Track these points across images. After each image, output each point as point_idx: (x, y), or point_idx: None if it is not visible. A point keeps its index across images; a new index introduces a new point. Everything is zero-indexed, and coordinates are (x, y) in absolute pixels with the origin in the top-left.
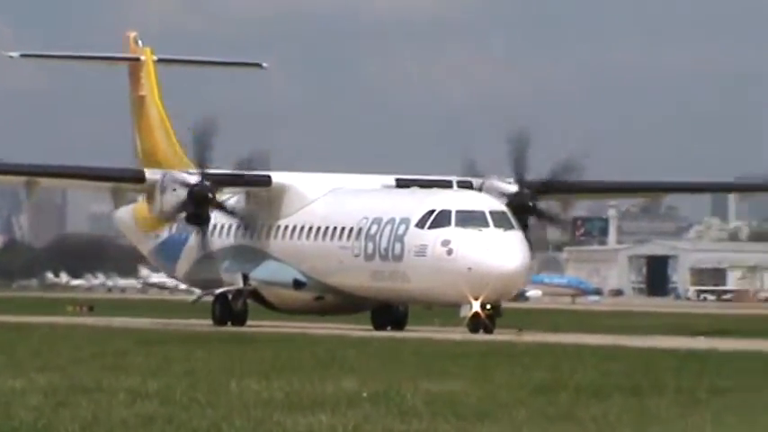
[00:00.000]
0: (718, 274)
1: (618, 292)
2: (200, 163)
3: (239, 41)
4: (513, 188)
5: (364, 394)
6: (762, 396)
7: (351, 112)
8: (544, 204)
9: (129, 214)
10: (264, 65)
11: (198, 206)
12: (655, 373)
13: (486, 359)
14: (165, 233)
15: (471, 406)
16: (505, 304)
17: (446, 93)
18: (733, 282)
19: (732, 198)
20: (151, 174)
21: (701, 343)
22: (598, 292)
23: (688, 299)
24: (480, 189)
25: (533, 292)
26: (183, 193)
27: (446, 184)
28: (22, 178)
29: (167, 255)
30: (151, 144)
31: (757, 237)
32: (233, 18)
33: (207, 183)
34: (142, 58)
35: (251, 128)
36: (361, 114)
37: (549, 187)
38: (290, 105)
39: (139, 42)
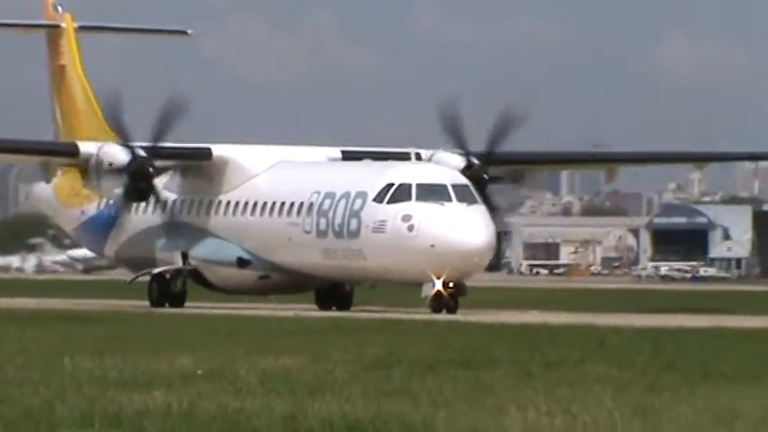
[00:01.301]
0: (550, 249)
1: None
2: (124, 137)
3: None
4: (462, 160)
5: (199, 372)
6: (593, 368)
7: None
8: (495, 175)
9: (49, 189)
10: (189, 32)
11: (138, 181)
12: (488, 348)
13: (321, 335)
14: (92, 209)
15: (306, 382)
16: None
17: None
18: (565, 256)
19: (565, 173)
20: (85, 147)
21: (533, 317)
22: None
23: (521, 273)
24: (429, 162)
25: None
26: (120, 168)
27: (402, 157)
28: None
29: (94, 232)
30: (73, 116)
31: (589, 211)
32: None
33: (145, 155)
34: (62, 24)
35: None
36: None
37: (495, 157)
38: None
39: (59, 8)
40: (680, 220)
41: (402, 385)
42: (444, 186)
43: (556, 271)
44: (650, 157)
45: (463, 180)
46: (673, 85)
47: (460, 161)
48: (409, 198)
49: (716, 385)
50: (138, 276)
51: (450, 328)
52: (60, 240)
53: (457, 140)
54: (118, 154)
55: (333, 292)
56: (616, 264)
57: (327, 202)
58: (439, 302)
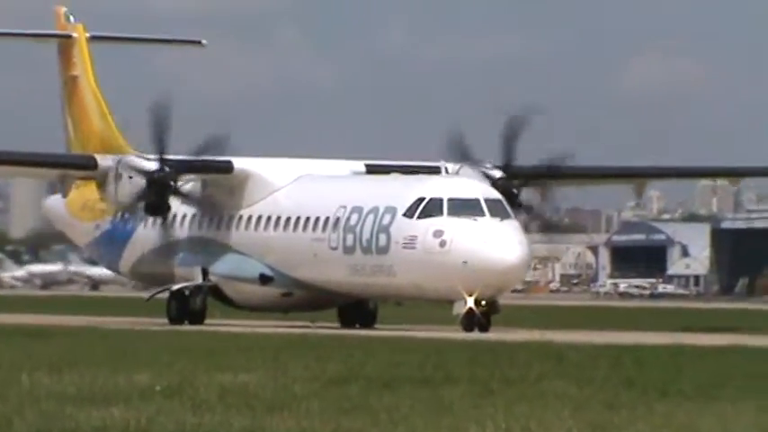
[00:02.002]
0: None
1: None
2: (159, 148)
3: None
4: (497, 174)
5: (157, 387)
6: (551, 385)
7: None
8: (527, 193)
9: (61, 203)
10: (204, 42)
11: (158, 195)
12: (447, 365)
13: (281, 352)
14: (107, 223)
15: (265, 398)
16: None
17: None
18: None
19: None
20: (103, 160)
21: (492, 335)
22: None
23: None
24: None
25: None
26: (141, 181)
27: (432, 171)
28: None
29: (110, 247)
30: (85, 128)
31: (547, 228)
32: None
33: (167, 169)
34: (74, 35)
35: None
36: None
37: (517, 172)
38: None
39: (71, 18)
40: (639, 237)
41: (360, 402)
42: (477, 201)
43: (515, 288)
44: (677, 172)
45: (496, 194)
46: (642, 102)
47: (494, 174)
48: (441, 213)
49: (674, 403)
50: (156, 293)
51: (401, 345)
52: (19, 256)
53: (468, 156)
54: (138, 167)
55: (356, 309)
56: (575, 281)
57: (354, 216)
58: (471, 320)
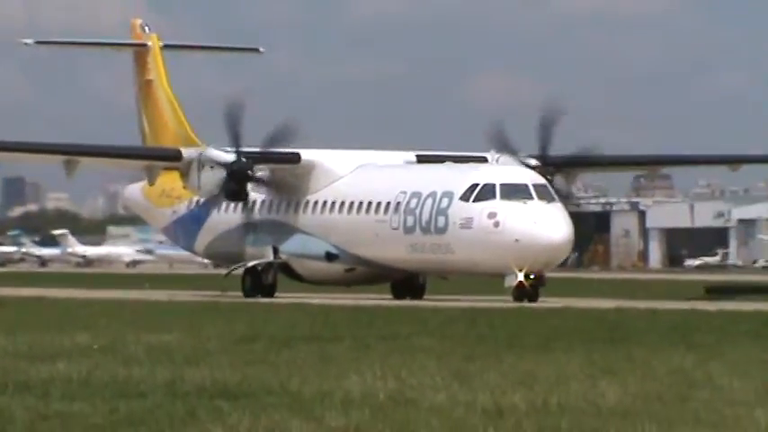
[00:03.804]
0: None
1: None
2: (236, 141)
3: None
4: (532, 163)
5: (95, 346)
6: (419, 341)
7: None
8: (559, 180)
9: (139, 192)
10: (261, 49)
11: (237, 183)
12: (333, 325)
13: (197, 315)
14: (183, 208)
15: (184, 354)
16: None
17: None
18: None
19: None
20: (187, 152)
21: (371, 300)
22: None
23: None
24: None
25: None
26: (221, 171)
27: (479, 160)
28: (62, 157)
29: (185, 229)
30: (160, 125)
31: None
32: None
33: (244, 160)
34: (149, 43)
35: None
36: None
37: (572, 163)
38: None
39: (146, 29)
40: None
41: (263, 356)
42: (526, 186)
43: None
44: (688, 159)
45: (542, 180)
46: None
47: (531, 164)
48: (494, 197)
49: (518, 354)
50: (233, 270)
51: (297, 308)
52: None
53: (542, 144)
54: (218, 158)
55: (408, 283)
56: None
57: (414, 201)
58: (521, 292)
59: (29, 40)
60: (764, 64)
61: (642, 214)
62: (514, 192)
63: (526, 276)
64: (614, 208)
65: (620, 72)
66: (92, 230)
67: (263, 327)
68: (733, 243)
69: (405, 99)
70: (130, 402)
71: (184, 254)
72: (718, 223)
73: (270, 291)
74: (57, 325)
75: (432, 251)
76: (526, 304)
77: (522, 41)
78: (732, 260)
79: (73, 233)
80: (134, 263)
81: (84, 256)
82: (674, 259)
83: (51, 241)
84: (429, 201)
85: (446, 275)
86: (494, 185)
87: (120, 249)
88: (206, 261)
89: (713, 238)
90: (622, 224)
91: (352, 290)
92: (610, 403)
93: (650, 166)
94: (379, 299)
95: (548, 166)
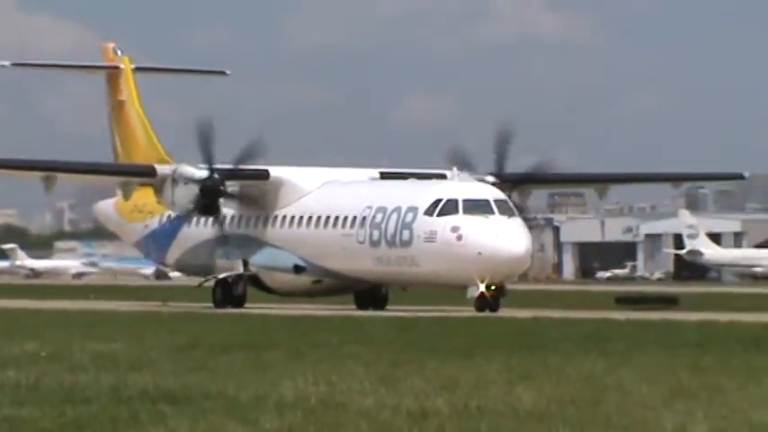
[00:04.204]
0: None
1: None
2: (207, 158)
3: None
4: (490, 179)
5: (43, 354)
6: (349, 348)
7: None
8: (514, 197)
9: (111, 207)
10: (228, 72)
11: (209, 198)
12: (269, 334)
13: (140, 325)
14: (154, 223)
15: (128, 361)
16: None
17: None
18: None
19: None
20: (161, 169)
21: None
22: None
23: None
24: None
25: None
26: (194, 187)
27: (439, 177)
28: (41, 173)
29: (157, 243)
30: (132, 145)
31: None
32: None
33: (216, 176)
34: (121, 66)
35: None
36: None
37: (506, 177)
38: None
39: (118, 52)
40: None
41: (203, 363)
42: (487, 201)
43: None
44: (636, 177)
45: (502, 195)
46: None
47: (489, 180)
48: (457, 211)
49: (442, 360)
50: (205, 281)
51: (236, 319)
52: None
53: (498, 161)
54: (191, 175)
55: (370, 293)
56: None
57: (380, 215)
58: (483, 302)
59: (5, 62)
60: (672, 86)
61: (556, 229)
62: (476, 207)
63: (487, 287)
64: (531, 224)
65: (540, 94)
66: (39, 245)
67: (204, 336)
68: (641, 256)
69: (345, 123)
70: (77, 407)
71: (127, 266)
72: (627, 238)
73: (239, 302)
74: (6, 334)
75: (397, 263)
76: (487, 314)
77: (445, 67)
78: (640, 272)
79: (22, 247)
80: (80, 275)
81: (32, 269)
82: (586, 271)
83: (1, 255)
84: (394, 215)
85: (410, 287)
86: (457, 201)
87: (67, 262)
88: (149, 273)
89: (622, 252)
90: (538, 239)
91: (317, 300)
92: (526, 407)
93: (600, 183)
94: (342, 309)
95: (504, 182)
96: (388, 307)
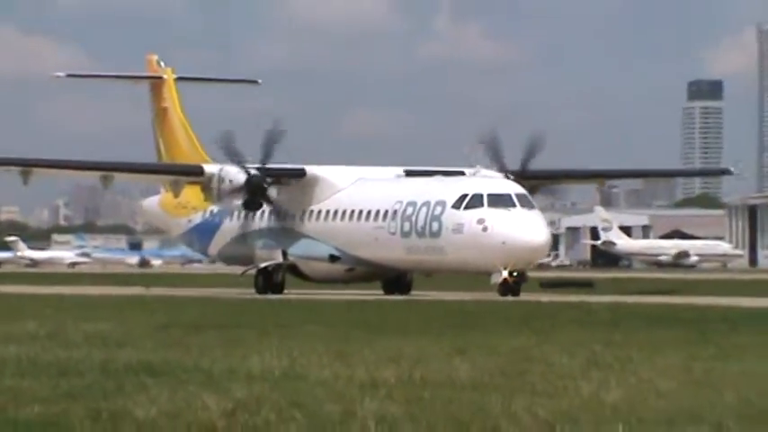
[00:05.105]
0: None
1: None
2: (263, 159)
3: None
4: (511, 176)
5: (41, 333)
6: (310, 328)
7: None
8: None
9: (156, 204)
10: (259, 81)
11: (253, 194)
12: (239, 315)
13: (125, 308)
14: (198, 218)
15: (115, 339)
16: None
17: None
18: None
19: None
20: (208, 168)
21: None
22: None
23: None
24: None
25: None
26: (239, 184)
27: (459, 173)
28: (101, 173)
29: (201, 236)
30: (174, 145)
31: None
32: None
33: (259, 175)
34: (164, 76)
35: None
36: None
37: (528, 174)
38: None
39: (161, 63)
40: None
41: (179, 340)
42: (510, 195)
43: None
44: (635, 173)
45: (523, 190)
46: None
47: (500, 176)
48: (482, 205)
49: (389, 337)
50: (247, 270)
51: (208, 301)
52: None
53: (496, 160)
54: (236, 173)
55: (397, 280)
56: None
57: (410, 209)
58: (505, 287)
59: (60, 74)
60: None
61: None
62: (500, 201)
63: (510, 274)
64: None
65: (475, 109)
66: (38, 238)
67: (179, 316)
68: (562, 247)
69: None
70: (71, 379)
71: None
72: (551, 230)
73: (279, 288)
74: (8, 315)
75: (426, 253)
76: (509, 298)
77: (392, 82)
78: (561, 260)
79: (22, 240)
80: (74, 264)
81: (32, 259)
82: None
83: (4, 247)
84: (424, 209)
85: (437, 274)
86: (482, 195)
87: (62, 253)
88: (134, 262)
89: None
90: None
91: (349, 287)
92: (462, 377)
93: (599, 178)
94: (371, 294)
95: (527, 179)
96: (412, 293)
